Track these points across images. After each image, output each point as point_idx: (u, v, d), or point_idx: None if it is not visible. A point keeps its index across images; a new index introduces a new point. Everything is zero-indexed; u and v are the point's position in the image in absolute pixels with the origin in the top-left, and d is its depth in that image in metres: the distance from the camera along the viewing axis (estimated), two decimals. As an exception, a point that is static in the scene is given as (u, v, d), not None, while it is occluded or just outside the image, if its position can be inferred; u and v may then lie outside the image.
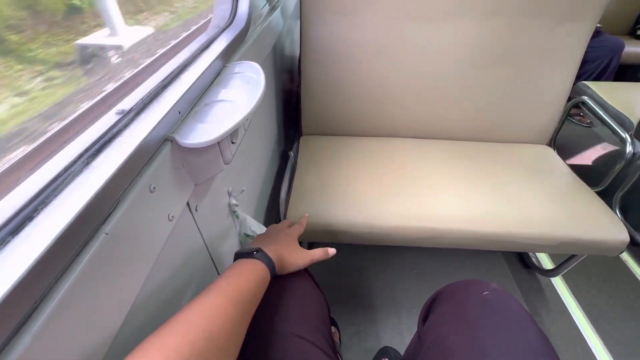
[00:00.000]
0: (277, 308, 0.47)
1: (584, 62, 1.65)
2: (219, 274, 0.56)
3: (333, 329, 0.92)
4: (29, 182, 0.26)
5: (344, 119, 1.03)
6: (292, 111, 1.24)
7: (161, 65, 0.46)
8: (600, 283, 1.10)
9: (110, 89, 0.43)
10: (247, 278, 0.39)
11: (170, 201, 0.37)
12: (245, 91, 0.48)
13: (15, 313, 0.20)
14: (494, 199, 0.83)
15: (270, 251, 0.46)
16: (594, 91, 1.27)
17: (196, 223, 0.46)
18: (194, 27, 0.71)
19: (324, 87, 0.98)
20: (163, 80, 0.42)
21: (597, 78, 1.73)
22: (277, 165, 1.08)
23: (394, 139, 1.03)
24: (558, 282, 1.09)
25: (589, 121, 1.82)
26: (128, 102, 0.37)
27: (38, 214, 0.24)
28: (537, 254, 1.16)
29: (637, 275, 1.12)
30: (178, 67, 0.45)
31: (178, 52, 0.50)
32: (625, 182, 1.12)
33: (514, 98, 0.97)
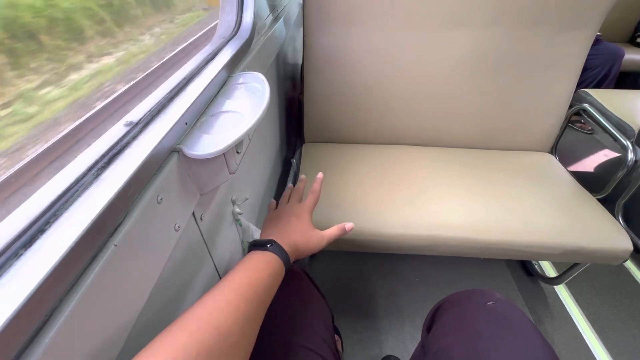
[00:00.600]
0: (281, 318, 0.47)
1: (585, 70, 1.66)
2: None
3: (336, 337, 0.91)
4: (40, 194, 0.27)
5: (346, 126, 1.04)
6: (294, 119, 1.25)
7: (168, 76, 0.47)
8: (604, 291, 1.09)
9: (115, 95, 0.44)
10: (260, 273, 0.38)
11: (177, 211, 0.37)
12: (250, 101, 0.48)
13: (27, 326, 0.21)
14: (497, 206, 0.83)
15: (284, 241, 0.45)
16: (594, 98, 1.27)
17: (201, 232, 0.46)
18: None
19: (326, 94, 0.99)
20: (170, 92, 0.42)
21: (597, 85, 1.74)
22: (280, 172, 1.08)
23: (396, 147, 1.04)
24: (561, 291, 1.09)
25: (590, 128, 1.82)
26: (136, 114, 0.38)
27: (50, 226, 0.25)
28: (540, 262, 1.16)
29: (641, 283, 1.11)
30: (184, 78, 0.46)
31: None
32: (627, 189, 1.12)
33: (515, 106, 0.97)
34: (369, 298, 1.05)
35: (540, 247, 0.78)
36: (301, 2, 0.89)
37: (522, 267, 1.16)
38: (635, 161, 1.06)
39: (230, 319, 0.30)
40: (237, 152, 0.48)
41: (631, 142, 1.08)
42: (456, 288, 0.57)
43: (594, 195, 0.89)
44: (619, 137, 1.11)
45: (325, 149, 1.03)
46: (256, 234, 0.64)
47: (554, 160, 1.01)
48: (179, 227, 0.37)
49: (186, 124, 0.40)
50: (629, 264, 1.17)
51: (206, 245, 0.48)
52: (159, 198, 0.33)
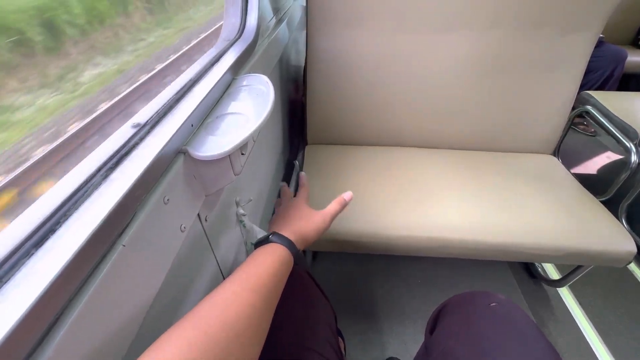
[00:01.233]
0: (285, 319, 0.47)
1: (587, 72, 1.66)
2: None
3: (338, 339, 0.91)
4: (51, 194, 0.27)
5: (349, 128, 1.04)
6: (297, 120, 1.26)
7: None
8: (608, 294, 1.09)
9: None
10: (266, 263, 0.39)
11: (183, 212, 0.38)
12: (255, 103, 0.49)
13: (38, 325, 0.21)
14: (499, 208, 0.83)
15: (286, 230, 0.47)
16: (597, 100, 1.27)
17: (206, 233, 0.46)
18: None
19: (329, 96, 0.99)
20: (177, 94, 0.43)
21: (600, 88, 1.74)
22: (283, 174, 1.09)
23: (399, 149, 1.04)
24: (565, 293, 1.08)
25: (593, 130, 1.82)
26: (143, 115, 0.38)
27: (60, 226, 0.25)
28: (543, 264, 1.15)
29: (645, 286, 1.11)
30: (190, 80, 0.47)
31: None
32: (631, 191, 1.12)
33: (518, 108, 0.97)
34: (371, 300, 1.05)
35: (543, 250, 0.78)
36: (304, 4, 0.90)
37: (525, 270, 1.16)
38: (639, 163, 1.06)
39: (237, 308, 0.31)
40: (242, 154, 0.48)
41: (634, 144, 1.08)
42: (459, 290, 0.57)
43: (597, 198, 0.88)
44: (622, 139, 1.11)
45: (327, 150, 1.03)
46: (260, 235, 0.65)
47: (556, 162, 1.01)
48: (184, 227, 0.38)
49: (192, 125, 0.40)
50: (633, 267, 1.17)
51: (210, 246, 0.49)
52: (166, 199, 0.34)
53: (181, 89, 0.44)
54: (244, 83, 0.55)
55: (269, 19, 0.81)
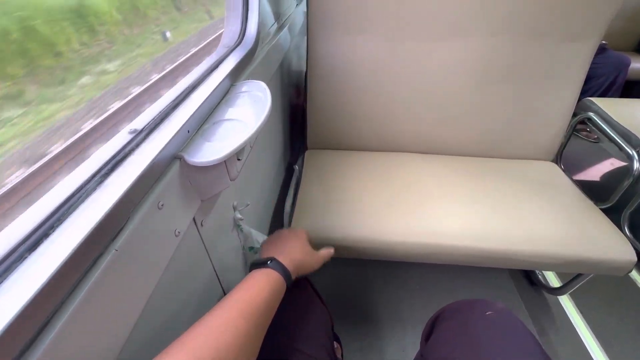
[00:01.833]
0: (280, 323, 0.47)
1: (590, 79, 1.66)
2: (222, 288, 0.57)
3: (335, 344, 0.91)
4: (46, 199, 0.28)
5: (350, 133, 1.04)
6: (298, 125, 1.27)
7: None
8: (610, 302, 1.07)
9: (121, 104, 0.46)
10: (260, 289, 0.39)
11: (177, 217, 0.38)
12: (252, 110, 0.49)
13: (29, 327, 0.21)
14: (499, 215, 0.83)
15: (284, 258, 0.46)
16: (599, 107, 1.26)
17: (202, 238, 0.47)
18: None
19: (330, 102, 1.00)
20: (174, 100, 0.43)
21: (603, 94, 1.73)
22: (282, 178, 1.09)
23: (399, 154, 1.04)
24: (565, 301, 1.07)
25: (595, 137, 1.81)
26: (140, 122, 0.39)
27: (54, 230, 0.26)
28: (543, 272, 1.14)
29: (647, 295, 1.09)
30: (188, 87, 0.47)
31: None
32: (633, 199, 1.10)
33: (518, 115, 0.97)
34: (369, 305, 1.05)
35: (543, 257, 0.78)
36: (306, 10, 0.91)
37: (525, 277, 1.15)
38: (641, 171, 1.05)
39: (229, 336, 0.31)
40: (238, 159, 0.49)
41: (637, 152, 1.07)
42: (458, 297, 0.57)
43: (599, 205, 0.88)
44: (625, 147, 1.10)
45: (328, 155, 1.04)
46: (259, 238, 0.65)
47: (557, 169, 1.00)
48: (179, 232, 0.38)
49: (188, 131, 0.41)
50: (635, 275, 1.15)
51: (206, 250, 0.49)
52: (160, 204, 0.34)
53: (179, 95, 0.45)
54: (242, 89, 0.56)
55: (270, 25, 0.82)
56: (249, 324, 0.34)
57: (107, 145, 0.35)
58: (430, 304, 1.04)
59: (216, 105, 0.50)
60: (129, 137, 0.36)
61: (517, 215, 0.83)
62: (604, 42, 1.67)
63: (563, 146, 1.14)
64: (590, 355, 0.93)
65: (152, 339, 0.36)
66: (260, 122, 0.44)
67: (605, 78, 1.70)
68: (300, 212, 0.83)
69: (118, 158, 0.33)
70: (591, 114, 1.26)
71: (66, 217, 0.27)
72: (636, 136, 1.09)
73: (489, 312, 0.50)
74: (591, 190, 0.93)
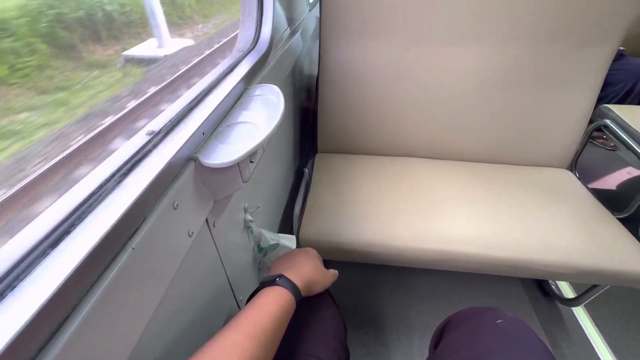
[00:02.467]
0: (295, 327, 0.47)
1: (607, 85, 1.62)
2: (231, 288, 0.57)
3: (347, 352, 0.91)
4: (67, 198, 0.29)
5: (360, 138, 1.05)
6: (309, 129, 1.27)
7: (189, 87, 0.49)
8: (627, 315, 1.04)
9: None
10: (268, 309, 0.38)
11: (191, 217, 0.39)
12: (265, 113, 0.50)
13: (49, 322, 0.22)
14: (511, 223, 0.81)
15: (294, 275, 0.45)
16: (617, 114, 1.23)
17: (213, 238, 0.48)
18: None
19: (341, 106, 1.00)
20: (190, 103, 0.44)
21: (620, 101, 1.69)
22: (292, 181, 1.10)
23: (409, 159, 1.04)
24: (580, 313, 1.04)
25: (612, 145, 1.76)
26: (158, 123, 0.40)
27: (74, 228, 0.27)
28: (557, 282, 1.12)
29: (667, 309, 1.06)
30: (203, 90, 0.48)
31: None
32: (652, 209, 1.07)
33: (531, 121, 0.96)
34: (377, 311, 1.04)
35: (557, 267, 0.76)
36: (318, 15, 0.92)
37: (538, 287, 1.12)
38: (661, 180, 1.02)
39: (235, 359, 0.31)
40: (251, 162, 0.49)
41: (656, 161, 1.04)
42: (468, 305, 0.56)
43: (615, 215, 0.85)
44: (643, 155, 1.07)
45: (337, 159, 1.04)
46: (271, 237, 0.66)
47: (572, 177, 0.98)
48: (192, 232, 0.39)
49: (203, 134, 0.42)
50: (654, 288, 1.11)
51: (217, 250, 0.50)
52: (175, 204, 0.35)
53: (194, 98, 0.46)
54: (256, 93, 0.57)
55: (283, 29, 0.83)
56: (255, 345, 0.33)
57: (126, 146, 0.36)
58: (439, 311, 1.03)
59: (230, 108, 0.51)
60: (147, 138, 0.37)
61: (529, 223, 0.81)
62: (622, 48, 1.63)
63: (578, 153, 1.12)
64: (606, 370, 0.91)
65: (163, 336, 0.36)
66: (273, 125, 0.44)
67: (623, 85, 1.66)
68: (310, 215, 0.83)
69: (136, 158, 0.34)
70: (608, 121, 1.23)
71: (86, 215, 0.28)
72: (655, 144, 1.07)
73: (499, 321, 0.49)
74: (607, 199, 0.91)
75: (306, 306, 0.51)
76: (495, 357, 0.44)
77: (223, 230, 0.51)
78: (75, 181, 0.29)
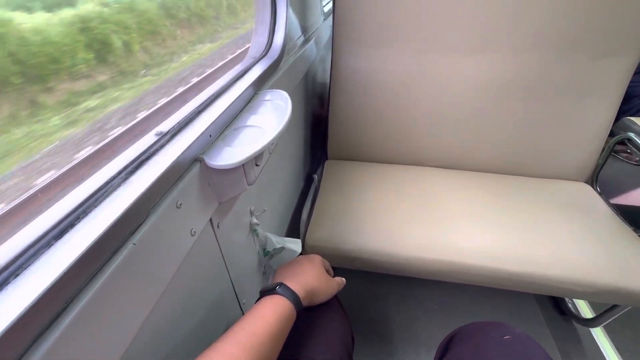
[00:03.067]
0: (302, 334, 0.47)
1: (631, 97, 1.56)
2: (234, 289, 0.57)
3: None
4: (75, 192, 0.30)
5: (370, 145, 1.04)
6: (320, 135, 1.28)
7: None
8: (651, 340, 0.98)
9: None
10: (266, 319, 0.37)
11: (194, 217, 0.40)
12: (273, 118, 0.51)
13: (48, 310, 0.23)
14: (524, 236, 0.79)
15: (295, 283, 0.44)
16: (641, 128, 1.18)
17: (217, 239, 0.48)
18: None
19: (351, 113, 1.00)
20: (199, 106, 0.46)
21: (646, 114, 1.62)
22: (301, 186, 1.10)
23: (420, 168, 1.02)
24: (599, 334, 0.99)
25: (637, 159, 1.69)
26: (167, 125, 0.41)
27: (79, 221, 0.28)
28: (574, 300, 1.07)
29: (696, 335, 0.99)
30: (213, 94, 0.50)
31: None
32: (679, 228, 1.01)
33: (547, 132, 0.93)
34: (384, 322, 1.02)
35: (573, 284, 0.73)
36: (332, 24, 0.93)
37: (553, 304, 1.07)
38: (689, 197, 0.97)
39: None
40: (257, 165, 0.50)
41: (683, 177, 0.99)
42: (477, 319, 0.54)
43: (638, 233, 0.81)
44: (669, 171, 1.02)
45: (347, 166, 1.04)
46: (277, 244, 0.66)
47: (590, 191, 0.95)
48: (195, 232, 0.39)
49: (210, 136, 0.43)
50: (682, 312, 1.05)
51: (221, 251, 0.50)
52: (179, 203, 0.36)
53: (204, 101, 0.47)
54: (267, 98, 0.58)
55: (297, 37, 0.84)
56: (252, 358, 0.32)
57: (135, 145, 0.37)
58: (447, 325, 0.99)
59: (239, 112, 0.52)
60: (155, 138, 0.38)
61: (545, 237, 0.78)
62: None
63: (599, 167, 1.08)
64: (627, 397, 0.85)
65: (160, 337, 0.37)
66: (278, 129, 0.45)
67: (649, 97, 1.59)
68: (317, 220, 0.83)
69: (143, 157, 0.35)
70: (632, 135, 1.18)
71: (91, 210, 0.29)
72: (683, 160, 1.01)
73: (507, 337, 0.47)
74: (630, 215, 0.87)
75: (314, 314, 0.50)
76: None
77: (228, 231, 0.52)
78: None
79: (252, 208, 0.62)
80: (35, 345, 0.22)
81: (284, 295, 0.41)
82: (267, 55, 0.68)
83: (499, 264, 0.74)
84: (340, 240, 0.79)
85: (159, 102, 0.89)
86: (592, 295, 0.74)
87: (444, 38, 0.86)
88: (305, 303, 0.44)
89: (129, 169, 0.34)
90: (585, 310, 1.05)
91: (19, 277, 0.23)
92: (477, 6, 0.82)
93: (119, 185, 0.32)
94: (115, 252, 0.28)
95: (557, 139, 0.94)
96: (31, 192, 0.43)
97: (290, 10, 0.74)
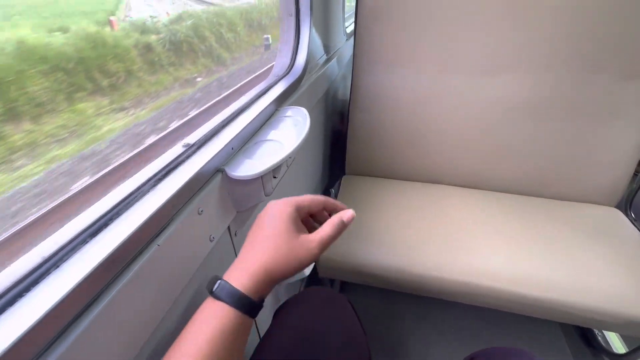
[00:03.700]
0: (322, 345, 0.45)
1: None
2: None
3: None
4: (111, 196, 0.33)
5: (388, 162, 1.05)
6: (338, 150, 1.30)
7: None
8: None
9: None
10: (202, 329, 0.30)
11: (214, 224, 0.42)
12: (292, 133, 0.54)
13: (79, 302, 0.25)
14: (547, 261, 0.76)
15: (241, 271, 0.32)
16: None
17: (234, 246, 0.50)
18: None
19: (370, 132, 1.02)
20: (223, 121, 0.49)
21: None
22: None
23: (438, 186, 1.01)
24: (633, 372, 0.92)
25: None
26: (194, 137, 0.44)
27: (112, 222, 0.31)
28: (605, 332, 1.00)
29: None
30: (237, 109, 0.53)
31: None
32: None
33: (573, 154, 0.90)
34: (397, 342, 0.99)
35: (600, 314, 0.69)
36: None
37: (581, 336, 1.01)
38: None
39: None
40: (274, 177, 0.52)
41: None
42: (496, 345, 0.53)
43: None
44: None
45: (364, 182, 1.05)
46: None
47: (621, 216, 0.90)
48: (213, 237, 0.42)
49: (232, 148, 0.46)
50: None
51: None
52: (200, 210, 0.38)
53: (228, 116, 0.50)
54: (287, 114, 0.61)
55: (319, 57, 0.88)
56: None
57: (164, 155, 0.41)
58: (464, 349, 0.95)
59: (260, 127, 0.55)
60: (182, 149, 0.41)
61: (570, 262, 0.75)
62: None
63: (634, 192, 1.02)
64: None
65: (174, 336, 0.39)
66: (296, 144, 0.47)
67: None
68: (332, 234, 0.84)
69: (171, 167, 0.38)
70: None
71: (123, 212, 0.32)
72: None
73: None
74: (666, 244, 0.82)
75: (334, 326, 0.48)
76: None
77: (244, 240, 0.54)
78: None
79: None
80: (74, 326, 0.25)
81: (221, 299, 0.30)
82: (290, 73, 0.71)
83: (519, 287, 0.72)
84: (355, 255, 0.79)
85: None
86: (621, 327, 0.69)
87: (464, 58, 0.87)
88: (265, 289, 0.33)
89: (158, 176, 0.37)
90: (617, 344, 0.97)
91: (59, 268, 0.26)
92: (500, 27, 0.82)
93: (148, 190, 0.35)
94: (141, 251, 0.31)
95: (582, 162, 0.91)
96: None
97: (314, 32, 0.78)
